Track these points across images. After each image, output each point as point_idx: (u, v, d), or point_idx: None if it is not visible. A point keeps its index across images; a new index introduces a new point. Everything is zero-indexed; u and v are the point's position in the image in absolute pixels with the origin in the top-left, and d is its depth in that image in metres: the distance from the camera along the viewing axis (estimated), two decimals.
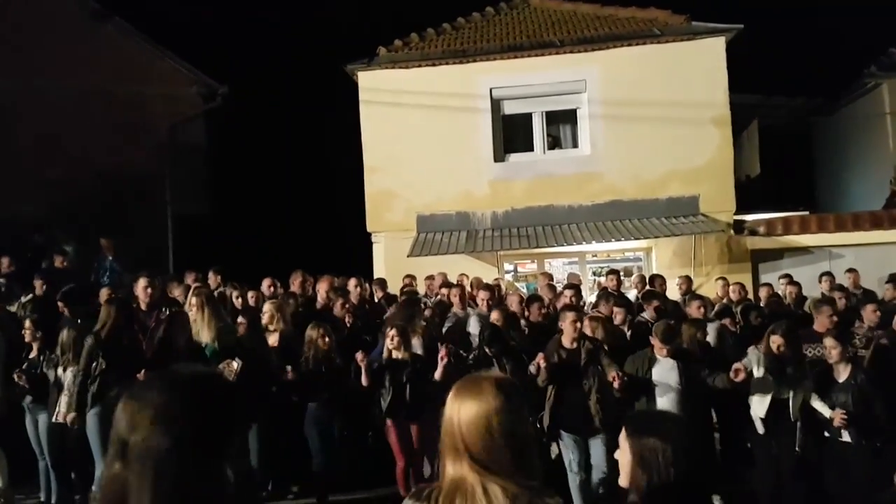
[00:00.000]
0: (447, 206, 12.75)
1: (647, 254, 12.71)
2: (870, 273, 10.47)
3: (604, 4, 13.88)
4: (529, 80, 12.85)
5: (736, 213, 12.16)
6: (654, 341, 6.13)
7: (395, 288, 10.10)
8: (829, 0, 24.92)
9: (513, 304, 8.10)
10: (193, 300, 6.82)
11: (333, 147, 17.98)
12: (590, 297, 10.55)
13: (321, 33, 22.24)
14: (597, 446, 6.03)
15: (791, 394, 5.92)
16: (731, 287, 9.43)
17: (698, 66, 12.22)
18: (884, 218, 11.61)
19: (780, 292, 9.57)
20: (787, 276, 10.18)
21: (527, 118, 13.22)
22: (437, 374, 6.37)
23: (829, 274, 9.75)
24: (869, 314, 7.31)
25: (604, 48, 12.59)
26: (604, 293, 8.57)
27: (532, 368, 6.21)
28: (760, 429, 6.02)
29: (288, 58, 22.04)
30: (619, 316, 7.51)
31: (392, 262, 12.25)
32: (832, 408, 5.71)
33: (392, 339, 6.60)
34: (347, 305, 8.21)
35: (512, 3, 14.84)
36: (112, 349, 6.24)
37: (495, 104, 12.99)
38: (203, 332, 6.63)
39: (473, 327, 7.69)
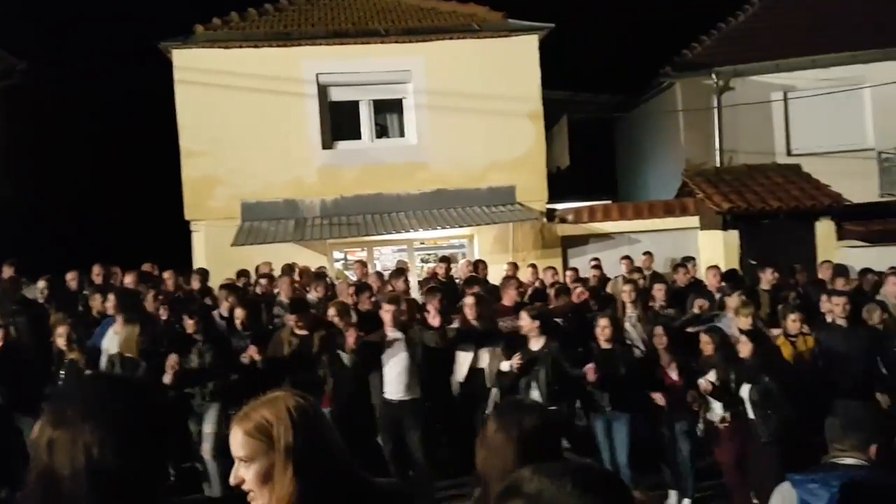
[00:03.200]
0: (274, 194, 12.52)
1: (470, 241, 13.30)
2: (665, 256, 11.76)
3: None
4: (356, 67, 12.92)
5: (548, 203, 13.06)
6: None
7: (218, 279, 9.79)
8: (630, 3, 27.20)
9: (343, 293, 8.19)
10: None
11: (149, 130, 16.90)
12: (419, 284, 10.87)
13: (134, 6, 20.74)
14: None
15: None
16: (543, 271, 10.18)
17: (514, 62, 12.92)
18: (676, 206, 12.99)
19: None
20: (596, 259, 11.12)
21: (354, 106, 13.29)
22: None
23: (628, 257, 10.80)
24: (658, 292, 8.28)
25: (427, 40, 12.93)
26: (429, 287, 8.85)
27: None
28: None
29: (97, 32, 20.30)
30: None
31: (214, 251, 11.84)
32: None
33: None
34: (161, 297, 7.88)
35: None
36: None
37: (322, 90, 12.92)
38: None
39: None
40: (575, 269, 10.72)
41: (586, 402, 6.72)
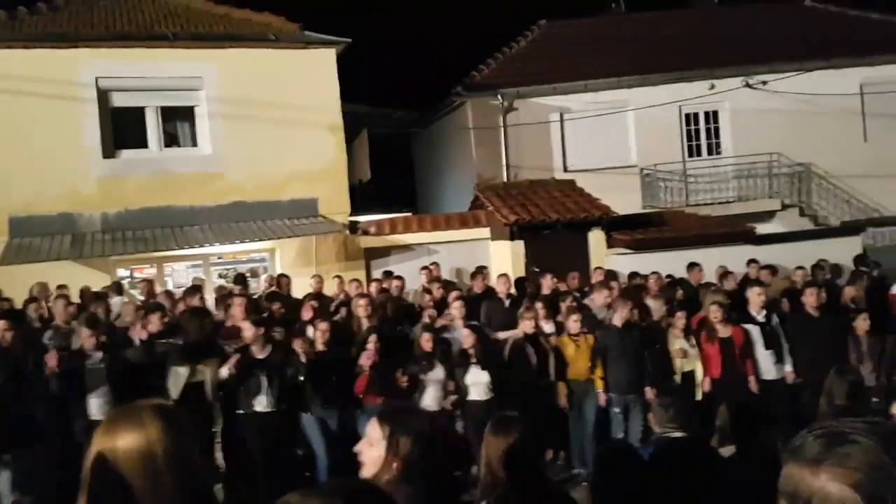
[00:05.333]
0: (47, 207, 11.38)
1: (272, 254, 13.03)
2: (461, 265, 12.35)
3: (217, 2, 13.76)
4: (141, 71, 12.16)
5: (351, 215, 13.18)
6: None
7: None
8: (427, 24, 28.30)
9: (129, 314, 7.67)
10: None
11: None
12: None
13: None
14: None
15: None
16: (348, 283, 10.26)
17: (312, 74, 12.90)
18: (469, 218, 13.67)
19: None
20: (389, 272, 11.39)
21: (140, 112, 12.48)
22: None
23: (427, 268, 11.22)
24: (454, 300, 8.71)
25: (219, 46, 12.52)
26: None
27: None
28: None
29: None
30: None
31: None
32: None
33: None
34: None
35: None
36: None
37: (102, 95, 12.00)
38: None
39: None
40: (378, 280, 10.95)
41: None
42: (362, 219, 13.57)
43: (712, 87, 15.94)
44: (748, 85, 15.96)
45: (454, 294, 8.88)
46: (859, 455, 1.17)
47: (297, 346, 7.02)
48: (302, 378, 6.86)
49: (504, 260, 12.23)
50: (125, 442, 1.59)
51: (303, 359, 6.94)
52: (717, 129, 16.58)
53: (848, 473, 1.16)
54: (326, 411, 7.07)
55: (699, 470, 3.69)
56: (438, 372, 7.20)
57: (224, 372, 6.57)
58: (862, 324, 7.85)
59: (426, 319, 8.26)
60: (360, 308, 7.95)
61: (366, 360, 6.99)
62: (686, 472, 3.62)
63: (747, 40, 16.73)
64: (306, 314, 8.25)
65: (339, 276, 10.87)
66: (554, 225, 12.29)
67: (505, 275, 10.31)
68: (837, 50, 16.11)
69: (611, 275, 10.48)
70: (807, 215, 15.47)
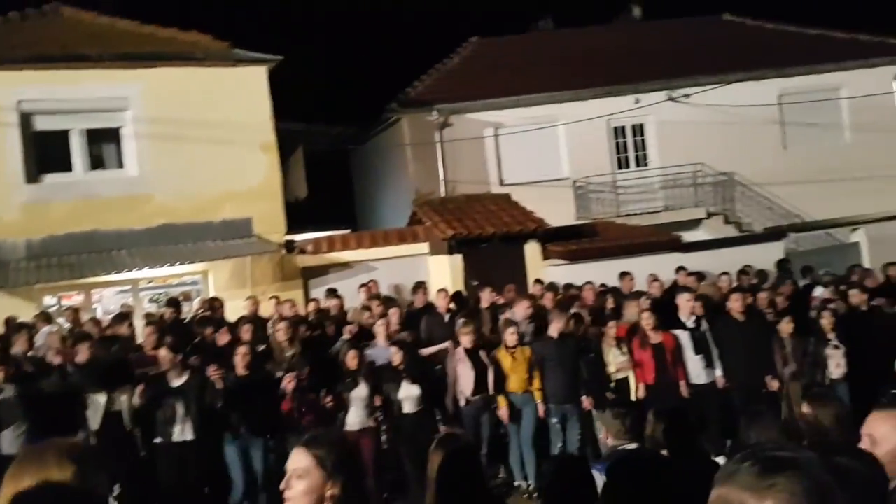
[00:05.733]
0: None
1: (205, 277, 12.75)
2: (399, 281, 12.33)
3: (143, 22, 13.47)
4: (65, 94, 11.80)
5: (287, 234, 13.02)
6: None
7: None
8: (362, 40, 28.35)
9: (54, 345, 7.41)
10: None
11: None
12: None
13: None
14: None
15: None
16: (282, 303, 10.12)
17: (243, 92, 12.72)
18: (408, 234, 13.69)
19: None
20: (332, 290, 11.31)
21: (64, 135, 12.09)
22: None
23: (365, 285, 11.18)
24: (393, 316, 8.73)
25: (146, 66, 12.25)
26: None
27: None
28: None
29: None
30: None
31: None
32: None
33: None
34: None
35: (42, 11, 13.35)
36: None
37: (25, 118, 11.60)
38: None
39: None
40: (316, 300, 10.86)
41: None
42: (299, 237, 13.43)
43: (638, 101, 16.43)
44: (672, 98, 16.54)
45: (393, 311, 8.87)
46: (799, 481, 1.22)
47: (211, 372, 6.81)
48: (220, 405, 6.70)
49: (443, 274, 12.29)
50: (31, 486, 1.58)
51: (218, 385, 6.76)
52: (643, 142, 17.09)
53: (792, 500, 1.20)
54: (252, 439, 6.90)
55: (657, 481, 3.76)
56: (362, 389, 7.21)
57: (135, 400, 6.45)
58: (786, 326, 8.21)
59: (346, 336, 8.24)
60: (280, 332, 7.84)
61: (287, 382, 6.92)
62: (645, 484, 3.68)
63: (670, 55, 17.35)
64: (245, 336, 8.10)
65: (275, 297, 10.73)
66: (491, 238, 12.44)
67: (444, 289, 10.37)
68: (756, 62, 16.84)
69: (549, 286, 10.65)
70: (731, 222, 16.06)
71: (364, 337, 8.42)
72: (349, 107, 21.46)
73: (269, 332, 8.69)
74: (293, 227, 13.46)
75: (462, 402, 7.62)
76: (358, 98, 22.08)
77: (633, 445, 4.11)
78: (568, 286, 10.86)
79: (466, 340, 7.66)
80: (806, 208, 15.83)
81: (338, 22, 30.95)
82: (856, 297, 8.85)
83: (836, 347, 7.99)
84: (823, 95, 16.85)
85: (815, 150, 16.65)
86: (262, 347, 7.86)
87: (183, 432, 6.49)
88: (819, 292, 9.91)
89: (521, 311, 8.74)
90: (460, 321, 8.02)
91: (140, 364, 7.25)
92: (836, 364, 7.90)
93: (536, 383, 7.82)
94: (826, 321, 8.11)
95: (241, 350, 7.04)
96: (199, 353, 7.51)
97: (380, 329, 8.23)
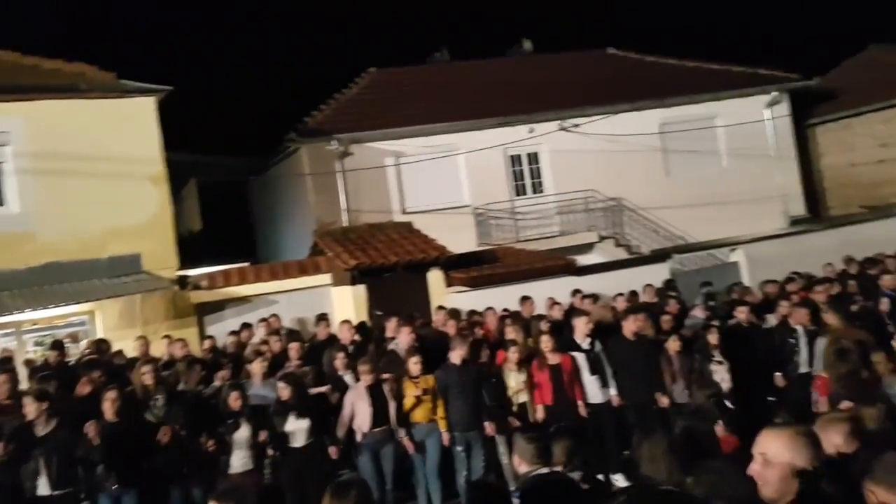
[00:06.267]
0: None
1: (92, 317, 12.12)
2: (302, 314, 12.14)
3: (25, 53, 12.83)
4: None
5: (180, 269, 12.59)
6: None
7: None
8: (261, 68, 28.02)
9: None
10: None
11: None
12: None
13: None
14: None
15: None
16: (172, 343, 9.74)
17: (131, 124, 12.33)
18: (309, 265, 13.51)
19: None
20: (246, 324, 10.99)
21: None
22: None
23: (265, 320, 10.95)
24: (293, 351, 8.59)
25: (27, 99, 11.70)
26: None
27: None
28: None
29: None
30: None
31: None
32: None
33: None
34: None
35: None
36: None
37: None
38: None
39: None
40: (212, 338, 10.53)
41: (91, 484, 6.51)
42: (194, 272, 13.00)
43: (532, 130, 17.03)
44: (563, 128, 17.22)
45: (292, 346, 8.73)
46: None
47: (88, 429, 6.37)
48: (92, 456, 6.31)
49: (346, 305, 12.21)
50: None
51: (95, 442, 6.35)
52: (539, 170, 17.68)
53: None
54: (126, 491, 6.49)
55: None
56: (244, 431, 7.07)
57: None
58: (673, 345, 8.63)
59: (217, 382, 8.03)
60: (146, 376, 7.48)
61: (163, 435, 6.71)
62: None
63: (560, 86, 18.10)
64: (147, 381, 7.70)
65: (168, 336, 10.33)
66: (394, 267, 12.48)
67: (348, 321, 10.29)
68: (639, 93, 17.82)
69: (453, 313, 10.76)
70: (622, 245, 16.80)
71: (270, 370, 8.23)
72: (247, 137, 21.14)
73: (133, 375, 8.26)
74: (187, 261, 13.05)
75: (359, 438, 7.55)
76: (256, 128, 21.77)
77: (545, 470, 4.17)
78: (472, 312, 11.02)
79: (367, 379, 7.61)
80: (689, 230, 16.78)
81: (235, 51, 30.54)
82: (740, 313, 9.41)
83: (720, 363, 8.47)
84: (701, 124, 18.02)
85: (695, 176, 17.73)
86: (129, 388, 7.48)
87: (47, 486, 6.05)
88: (699, 311, 10.47)
89: (404, 340, 8.76)
90: (361, 360, 7.96)
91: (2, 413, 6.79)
92: (720, 379, 8.36)
93: (440, 412, 7.85)
94: (711, 337, 8.59)
95: (110, 395, 6.63)
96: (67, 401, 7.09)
97: (256, 368, 8.06)
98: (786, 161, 18.62)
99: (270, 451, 7.31)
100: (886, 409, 4.48)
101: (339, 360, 8.27)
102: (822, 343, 8.13)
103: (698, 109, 18.20)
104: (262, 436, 7.13)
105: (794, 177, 18.80)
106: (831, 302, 9.11)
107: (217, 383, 7.99)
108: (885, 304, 9.47)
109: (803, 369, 8.69)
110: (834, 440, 3.57)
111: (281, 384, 7.33)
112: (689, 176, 17.73)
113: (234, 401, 7.10)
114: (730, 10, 37.70)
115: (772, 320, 9.46)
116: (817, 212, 19.62)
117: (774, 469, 2.66)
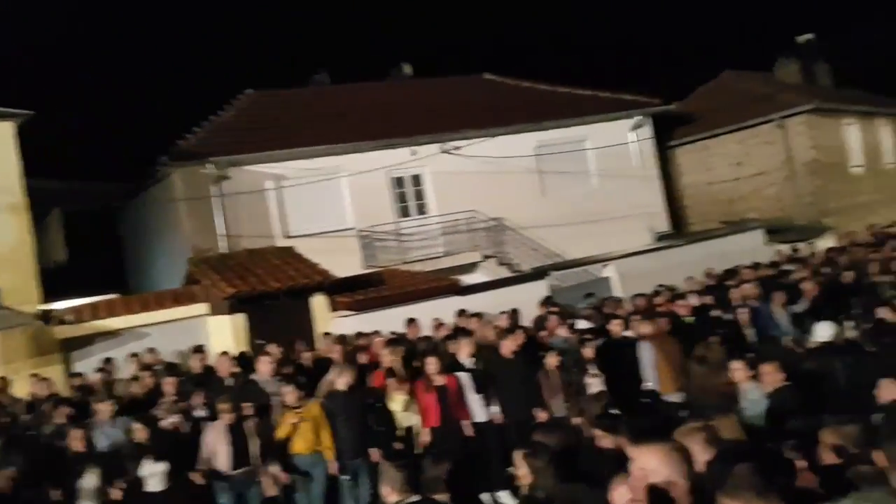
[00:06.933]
0: None
1: None
2: (177, 347, 11.58)
3: None
4: None
5: (43, 302, 11.80)
6: None
7: None
8: (130, 92, 26.75)
9: None
10: None
11: None
12: None
13: None
14: None
15: None
16: (41, 383, 9.10)
17: None
18: (183, 295, 12.98)
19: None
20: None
21: None
22: None
23: (135, 355, 10.41)
24: (168, 386, 8.21)
25: None
26: None
27: None
28: None
29: None
30: None
31: None
32: None
33: None
34: None
35: None
36: None
37: None
38: None
39: None
40: (79, 375, 9.91)
41: None
42: (59, 305, 12.19)
43: (414, 152, 17.25)
44: (444, 151, 17.55)
45: (167, 381, 8.34)
46: None
47: None
48: None
49: (225, 336, 11.81)
50: None
51: None
52: (422, 191, 17.90)
53: None
54: None
55: None
56: (91, 479, 6.64)
57: None
58: (551, 360, 8.92)
59: (59, 419, 7.54)
60: None
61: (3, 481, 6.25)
62: None
63: (441, 110, 18.47)
64: None
65: (35, 375, 9.61)
66: (276, 294, 12.21)
67: (226, 352, 9.96)
68: (515, 117, 18.48)
69: (337, 338, 10.64)
70: (504, 264, 17.25)
71: (134, 409, 7.79)
72: (117, 163, 20.14)
73: None
74: (51, 295, 12.25)
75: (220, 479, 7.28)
76: (127, 153, 20.79)
77: (415, 498, 4.12)
78: (359, 335, 10.95)
79: (226, 418, 7.33)
80: (565, 248, 17.47)
81: (105, 73, 29.04)
82: (614, 326, 9.84)
83: (595, 375, 8.84)
84: (572, 146, 18.92)
85: (568, 196, 18.54)
86: None
87: None
88: (582, 324, 10.90)
89: (265, 370, 8.56)
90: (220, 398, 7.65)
91: None
92: (596, 391, 8.70)
93: (327, 441, 7.71)
94: (587, 351, 8.96)
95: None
96: None
97: (104, 408, 7.59)
98: (650, 180, 19.84)
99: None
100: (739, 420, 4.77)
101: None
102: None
103: (570, 132, 19.07)
104: (116, 488, 6.64)
105: (658, 195, 20.05)
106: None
107: (59, 420, 7.44)
108: (743, 314, 10.18)
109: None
110: (692, 450, 3.79)
111: (136, 425, 6.92)
112: (563, 196, 18.51)
113: (76, 442, 6.65)
114: (597, 39, 39.93)
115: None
116: (680, 228, 21.00)
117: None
